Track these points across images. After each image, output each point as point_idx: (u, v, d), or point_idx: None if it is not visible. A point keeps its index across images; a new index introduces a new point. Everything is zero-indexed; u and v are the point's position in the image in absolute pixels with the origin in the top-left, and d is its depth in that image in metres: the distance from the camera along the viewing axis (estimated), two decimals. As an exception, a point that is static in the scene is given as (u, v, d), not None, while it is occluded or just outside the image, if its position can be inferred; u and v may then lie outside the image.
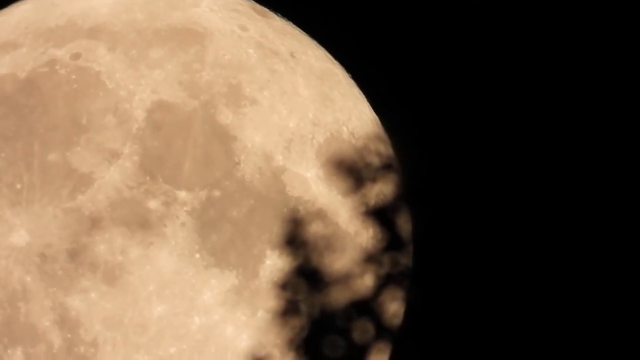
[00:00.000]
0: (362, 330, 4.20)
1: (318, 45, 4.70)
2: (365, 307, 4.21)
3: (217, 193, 3.92)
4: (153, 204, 3.85)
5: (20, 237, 3.78)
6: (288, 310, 3.99)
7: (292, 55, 4.45)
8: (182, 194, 3.88)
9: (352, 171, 4.25)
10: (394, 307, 4.34)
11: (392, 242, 4.34)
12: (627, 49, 5.39)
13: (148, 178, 3.87)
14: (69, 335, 3.76)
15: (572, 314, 5.08)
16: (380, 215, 4.31)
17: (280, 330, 3.99)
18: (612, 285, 5.19)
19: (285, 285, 3.98)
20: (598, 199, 5.32)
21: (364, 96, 4.61)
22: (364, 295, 4.18)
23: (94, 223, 3.79)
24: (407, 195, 4.46)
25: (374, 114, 4.57)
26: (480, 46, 5.23)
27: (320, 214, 4.10)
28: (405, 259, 4.42)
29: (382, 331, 4.28)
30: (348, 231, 4.17)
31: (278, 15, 4.75)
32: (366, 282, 4.20)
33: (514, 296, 5.05)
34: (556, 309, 5.09)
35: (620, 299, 5.16)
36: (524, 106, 5.32)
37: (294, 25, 4.72)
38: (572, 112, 5.37)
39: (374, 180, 4.33)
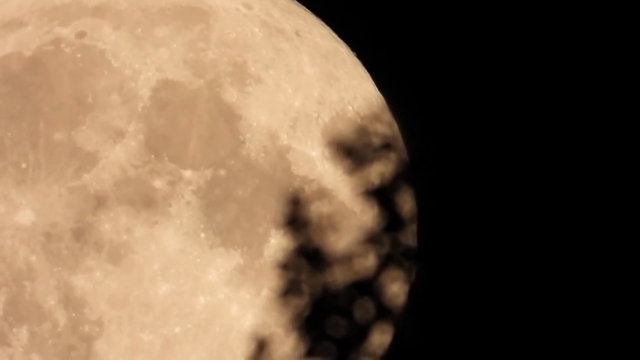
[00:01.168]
0: (364, 310, 4.20)
1: (323, 23, 4.69)
2: (367, 287, 4.21)
3: (222, 172, 3.91)
4: (158, 183, 3.85)
5: (25, 217, 3.79)
6: (291, 290, 4.00)
7: (297, 33, 4.42)
8: (187, 173, 3.87)
9: (356, 150, 4.24)
10: (395, 287, 4.34)
11: (395, 222, 4.33)
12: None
13: (153, 157, 3.86)
14: (74, 314, 3.77)
15: (579, 294, 5.07)
16: (384, 195, 4.30)
17: (284, 310, 4.00)
18: (615, 280, 5.17)
19: (288, 265, 3.99)
20: (612, 187, 5.30)
21: (369, 75, 4.60)
22: (366, 275, 4.18)
23: (99, 202, 3.80)
24: (411, 175, 4.45)
25: (378, 92, 4.55)
26: (490, 25, 5.19)
27: (325, 193, 4.09)
28: (409, 239, 4.41)
29: (384, 311, 4.28)
30: (353, 210, 4.16)
31: (283, -6, 4.74)
32: (369, 261, 4.20)
33: (518, 277, 5.04)
34: (561, 288, 5.07)
35: (623, 297, 5.14)
36: (531, 89, 5.30)
37: (299, 4, 4.71)
38: (584, 100, 5.35)
39: (378, 159, 4.31)
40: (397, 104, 4.51)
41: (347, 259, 4.12)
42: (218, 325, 3.89)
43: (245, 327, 3.94)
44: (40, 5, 4.16)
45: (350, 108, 4.33)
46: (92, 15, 4.11)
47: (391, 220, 4.30)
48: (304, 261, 4.02)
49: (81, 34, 4.06)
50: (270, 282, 3.96)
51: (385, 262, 4.25)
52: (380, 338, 4.32)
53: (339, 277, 4.09)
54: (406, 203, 4.43)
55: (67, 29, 4.07)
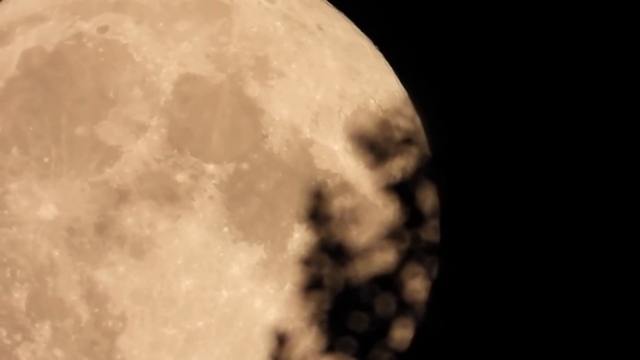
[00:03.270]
0: (385, 305, 4.19)
1: (345, 17, 4.66)
2: (389, 282, 4.20)
3: (245, 166, 3.91)
4: (181, 177, 3.84)
5: (48, 211, 3.78)
6: (313, 284, 3.99)
7: (319, 27, 4.42)
8: (210, 167, 3.87)
9: (378, 144, 4.22)
10: (417, 283, 4.33)
11: (416, 216, 4.32)
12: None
13: (176, 151, 3.86)
14: (96, 310, 3.77)
15: (605, 292, 5.04)
16: (405, 189, 4.28)
17: (306, 304, 3.99)
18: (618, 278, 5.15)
19: (311, 259, 3.98)
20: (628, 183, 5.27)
21: (391, 68, 4.59)
22: (388, 270, 4.17)
23: (122, 196, 3.80)
24: (433, 170, 4.44)
25: (401, 86, 4.54)
26: (517, 20, 5.16)
27: (348, 187, 4.08)
28: (431, 235, 4.40)
29: (406, 307, 4.27)
30: (375, 204, 4.15)
31: (305, -12, 4.76)
32: (390, 256, 4.19)
33: (541, 272, 5.01)
34: (585, 283, 5.05)
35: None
36: (558, 85, 5.26)
37: None
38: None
39: (400, 154, 4.30)
40: (420, 98, 4.49)
41: (369, 253, 4.11)
42: (241, 319, 3.89)
43: (269, 321, 3.93)
44: (62, 0, 4.18)
45: (372, 102, 4.32)
46: (113, 9, 4.11)
47: (413, 215, 4.28)
48: (326, 255, 4.01)
49: (103, 29, 4.06)
50: (293, 276, 3.95)
51: (407, 257, 4.24)
52: (402, 333, 4.31)
53: (360, 271, 4.08)
54: (428, 198, 4.42)
55: (89, 24, 4.07)
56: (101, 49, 4.00)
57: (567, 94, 5.22)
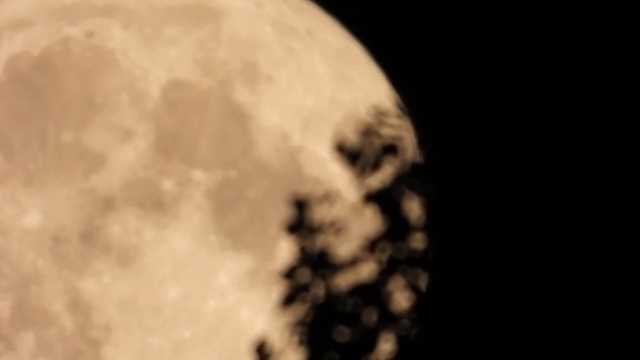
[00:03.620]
0: (369, 317, 4.13)
1: (336, 22, 4.65)
2: (373, 293, 4.15)
3: (233, 173, 3.86)
4: (168, 184, 3.80)
5: (33, 219, 3.76)
6: (300, 295, 3.95)
7: (309, 32, 4.39)
8: (198, 174, 3.83)
9: (367, 152, 4.18)
10: (402, 294, 4.27)
11: (403, 227, 4.27)
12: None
13: (163, 158, 3.82)
14: (81, 319, 3.74)
15: (598, 305, 4.97)
16: (392, 199, 4.24)
17: (292, 315, 3.95)
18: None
19: (298, 269, 3.94)
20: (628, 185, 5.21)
21: (383, 75, 4.56)
22: (372, 281, 4.12)
23: (108, 204, 3.76)
24: (422, 179, 4.39)
25: (393, 92, 4.51)
26: (511, 27, 5.11)
27: (337, 195, 4.04)
28: (418, 245, 4.34)
29: (390, 319, 4.22)
30: (363, 213, 4.10)
31: (295, -8, 4.74)
32: (375, 267, 4.13)
33: (532, 284, 4.93)
34: (577, 297, 4.97)
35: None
36: (552, 95, 5.22)
37: (311, 2, 4.67)
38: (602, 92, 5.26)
39: (389, 163, 4.26)
40: (412, 105, 4.44)
41: (355, 264, 4.06)
42: (229, 329, 3.85)
43: (256, 330, 3.89)
44: (49, 5, 4.17)
45: (362, 109, 4.28)
46: (101, 14, 4.09)
47: (399, 226, 4.24)
48: (313, 265, 3.97)
49: (90, 34, 4.04)
50: (281, 285, 3.91)
51: (394, 268, 4.18)
52: (387, 347, 4.26)
53: (346, 282, 4.04)
54: (415, 208, 4.36)
55: (76, 28, 4.05)
56: (88, 54, 3.98)
57: (560, 101, 5.15)
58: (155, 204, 3.78)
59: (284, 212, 3.92)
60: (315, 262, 3.98)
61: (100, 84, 3.92)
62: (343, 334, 4.09)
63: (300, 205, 3.95)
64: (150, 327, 3.77)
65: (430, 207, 4.38)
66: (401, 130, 4.39)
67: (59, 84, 3.92)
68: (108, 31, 4.04)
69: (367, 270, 4.11)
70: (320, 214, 4.00)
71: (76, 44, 4.01)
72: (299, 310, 3.96)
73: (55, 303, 3.73)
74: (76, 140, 3.81)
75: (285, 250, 3.91)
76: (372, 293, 4.12)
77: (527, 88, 5.12)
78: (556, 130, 5.20)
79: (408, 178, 4.29)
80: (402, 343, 4.24)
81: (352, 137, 4.17)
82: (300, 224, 3.95)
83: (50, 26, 4.08)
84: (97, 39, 4.02)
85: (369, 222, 4.13)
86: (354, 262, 4.06)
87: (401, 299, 4.24)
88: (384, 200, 4.17)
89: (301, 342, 3.99)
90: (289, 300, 3.93)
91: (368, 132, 4.22)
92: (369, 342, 4.15)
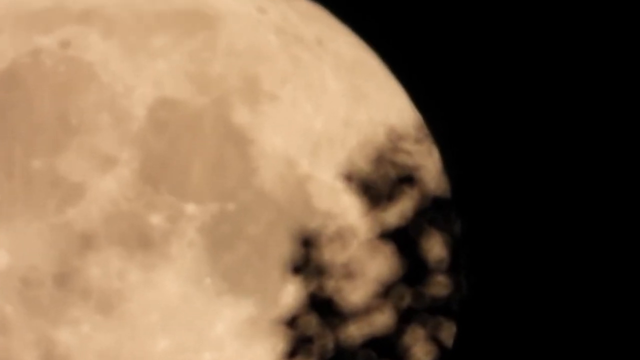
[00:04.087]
0: None
1: (350, 30, 4.40)
2: (388, 346, 3.96)
3: (230, 206, 3.66)
4: (156, 219, 3.61)
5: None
6: (305, 347, 3.77)
7: (319, 42, 4.17)
8: (190, 207, 3.63)
9: (385, 182, 3.98)
10: (421, 348, 4.04)
11: (424, 269, 4.05)
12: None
13: (150, 188, 3.62)
14: (57, 374, 3.65)
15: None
16: (411, 237, 4.00)
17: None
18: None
19: (304, 317, 3.77)
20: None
21: (403, 89, 4.31)
22: (387, 332, 3.93)
23: (87, 242, 3.57)
24: (446, 212, 4.19)
25: (414, 109, 4.31)
26: (537, 48, 4.83)
27: (350, 232, 3.83)
28: (440, 290, 4.13)
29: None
30: (377, 253, 3.87)
31: (303, -4, 4.58)
32: (390, 316, 3.94)
33: (558, 328, 4.66)
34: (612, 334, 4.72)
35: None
36: (581, 112, 4.93)
37: (322, 8, 4.43)
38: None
39: (409, 194, 4.07)
40: (434, 124, 4.21)
41: (368, 312, 3.89)
42: (226, 387, 3.79)
43: (259, 390, 3.80)
44: (15, 9, 3.94)
45: (379, 131, 4.05)
46: (77, 21, 3.86)
47: (419, 268, 4.02)
48: (321, 313, 3.79)
49: (65, 44, 3.79)
50: (285, 336, 3.73)
51: (411, 317, 3.99)
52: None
53: (359, 334, 3.87)
54: (437, 248, 4.16)
55: (49, 38, 3.81)
56: (62, 68, 3.75)
57: (595, 129, 4.88)
58: (141, 242, 3.59)
59: (288, 251, 3.72)
60: (323, 310, 3.79)
61: (77, 102, 3.70)
62: None
63: (308, 243, 3.78)
64: (136, 385, 3.71)
65: (453, 246, 4.15)
66: (422, 157, 4.21)
67: (29, 102, 3.69)
68: (86, 41, 3.81)
69: (381, 320, 3.96)
70: (330, 253, 3.82)
71: (48, 55, 3.78)
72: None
73: (26, 356, 3.54)
74: (48, 167, 3.60)
75: (290, 296, 3.73)
76: (387, 346, 3.98)
77: (560, 112, 4.85)
78: (594, 163, 4.94)
79: (428, 212, 4.06)
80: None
81: (367, 165, 3.96)
82: (307, 264, 3.77)
83: (18, 35, 3.88)
84: (73, 49, 3.79)
85: (384, 263, 3.94)
86: (367, 310, 3.89)
87: (421, 353, 4.04)
88: (401, 238, 3.95)
89: None
90: (293, 353, 3.75)
91: (385, 159, 4.00)
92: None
